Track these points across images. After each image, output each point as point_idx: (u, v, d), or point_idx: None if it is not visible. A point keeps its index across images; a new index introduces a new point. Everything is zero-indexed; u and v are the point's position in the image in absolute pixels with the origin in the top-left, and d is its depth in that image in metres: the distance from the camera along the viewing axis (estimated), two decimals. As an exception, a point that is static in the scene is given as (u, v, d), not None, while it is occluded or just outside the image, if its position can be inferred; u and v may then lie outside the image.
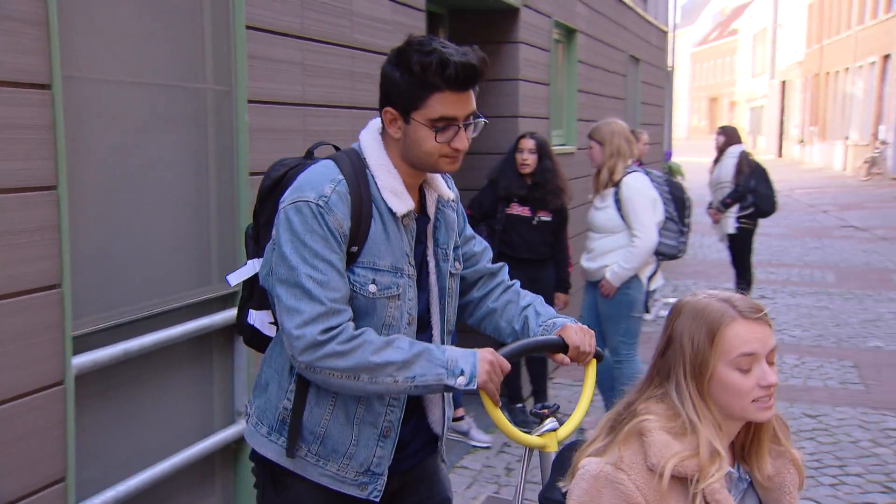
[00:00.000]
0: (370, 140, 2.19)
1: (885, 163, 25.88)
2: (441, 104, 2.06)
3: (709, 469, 1.75)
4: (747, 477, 1.91)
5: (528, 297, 2.46)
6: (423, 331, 2.28)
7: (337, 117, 3.58)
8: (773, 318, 1.89)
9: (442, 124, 2.08)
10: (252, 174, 3.02)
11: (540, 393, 5.92)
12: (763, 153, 45.51)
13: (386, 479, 2.24)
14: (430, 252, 2.26)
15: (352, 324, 2.09)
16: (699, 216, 10.01)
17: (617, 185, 5.32)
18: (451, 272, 2.31)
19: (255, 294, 2.31)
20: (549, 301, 5.70)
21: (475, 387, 2.10)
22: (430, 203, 2.27)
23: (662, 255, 5.52)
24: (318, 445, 2.19)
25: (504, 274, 2.53)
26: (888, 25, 27.11)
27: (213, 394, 2.98)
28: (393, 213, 2.14)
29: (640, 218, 5.24)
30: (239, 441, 3.03)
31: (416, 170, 2.19)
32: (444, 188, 2.29)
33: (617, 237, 5.34)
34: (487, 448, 5.38)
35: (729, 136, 8.97)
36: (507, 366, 2.15)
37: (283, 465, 2.20)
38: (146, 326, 2.63)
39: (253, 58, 2.99)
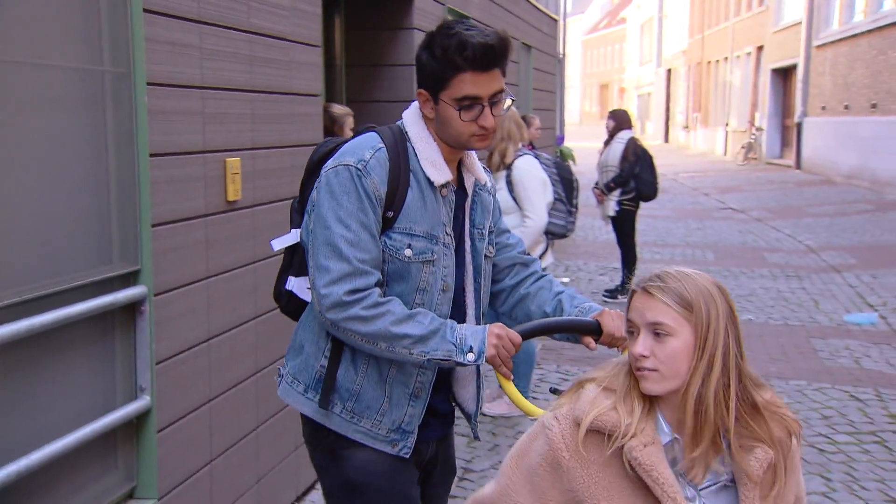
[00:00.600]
0: (412, 116, 2.27)
1: (760, 148, 26.86)
2: (464, 84, 2.12)
3: (632, 427, 1.73)
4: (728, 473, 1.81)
5: (560, 286, 2.48)
6: (458, 308, 2.34)
7: (236, 100, 3.58)
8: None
9: (467, 103, 2.14)
10: (153, 155, 3.00)
11: None
12: (651, 138, 46.57)
13: (416, 436, 2.30)
14: (466, 231, 2.32)
15: (378, 290, 2.16)
16: (588, 198, 10.28)
17: (508, 167, 5.45)
18: (485, 254, 2.37)
19: (294, 262, 2.39)
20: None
21: (483, 361, 2.16)
22: (468, 183, 2.34)
23: (552, 234, 5.69)
24: (353, 402, 2.26)
25: (537, 265, 2.55)
26: (762, 18, 28.05)
27: (115, 370, 2.97)
28: (431, 183, 2.21)
29: (531, 199, 5.38)
30: (142, 416, 3.05)
31: (451, 147, 2.25)
32: (480, 172, 2.37)
33: (509, 218, 5.41)
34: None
35: (619, 121, 9.16)
36: (518, 339, 2.18)
37: (320, 422, 2.30)
38: (47, 304, 2.62)
39: (151, 41, 2.98)
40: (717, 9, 34.69)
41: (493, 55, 2.12)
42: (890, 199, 16.08)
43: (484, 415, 5.58)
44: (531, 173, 5.41)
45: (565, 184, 5.87)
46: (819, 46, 22.60)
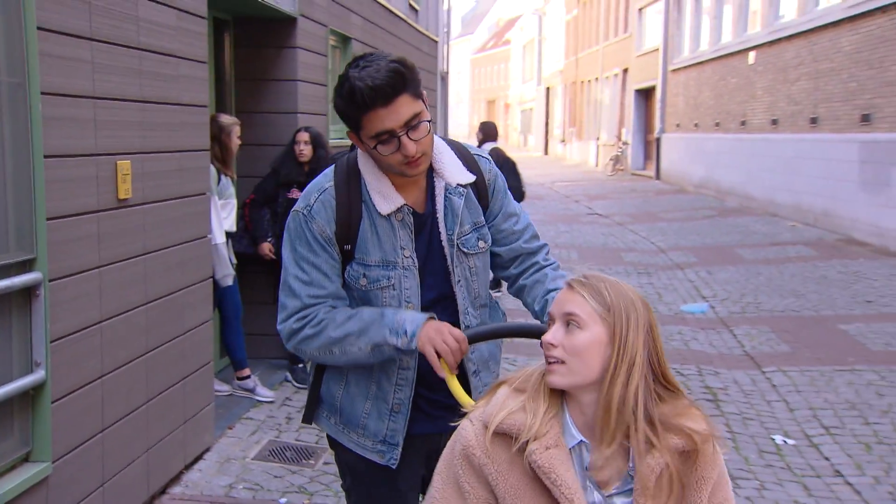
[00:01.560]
0: (361, 153, 2.21)
1: (626, 160, 27.84)
2: (374, 122, 2.05)
3: (535, 429, 1.66)
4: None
5: (558, 281, 2.32)
6: (452, 306, 2.28)
7: (126, 109, 3.72)
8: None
9: (384, 138, 2.06)
10: (47, 156, 3.14)
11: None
12: (532, 150, 47.50)
13: (401, 449, 2.26)
14: (443, 238, 2.23)
15: (324, 307, 2.16)
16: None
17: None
18: (464, 251, 2.25)
19: None
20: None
21: (415, 346, 2.08)
22: (438, 193, 2.23)
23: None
24: (337, 416, 2.29)
25: (542, 254, 2.42)
26: (626, 43, 29.04)
27: (12, 347, 3.08)
28: (380, 213, 2.15)
29: None
30: (37, 388, 3.18)
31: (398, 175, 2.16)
32: (451, 174, 2.24)
33: None
34: (271, 402, 5.65)
35: (486, 133, 9.44)
36: (460, 336, 2.09)
37: (320, 426, 2.36)
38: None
39: (45, 55, 3.11)
40: (588, 33, 35.66)
41: (385, 91, 2.01)
42: (729, 206, 17.01)
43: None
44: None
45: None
46: (674, 70, 23.62)
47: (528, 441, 1.65)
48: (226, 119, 5.39)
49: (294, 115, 6.19)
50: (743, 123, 17.66)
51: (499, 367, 2.46)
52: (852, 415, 5.44)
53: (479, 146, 9.46)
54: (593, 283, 1.70)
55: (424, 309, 2.21)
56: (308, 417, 2.34)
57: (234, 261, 5.48)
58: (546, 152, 45.05)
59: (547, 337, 1.69)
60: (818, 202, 13.56)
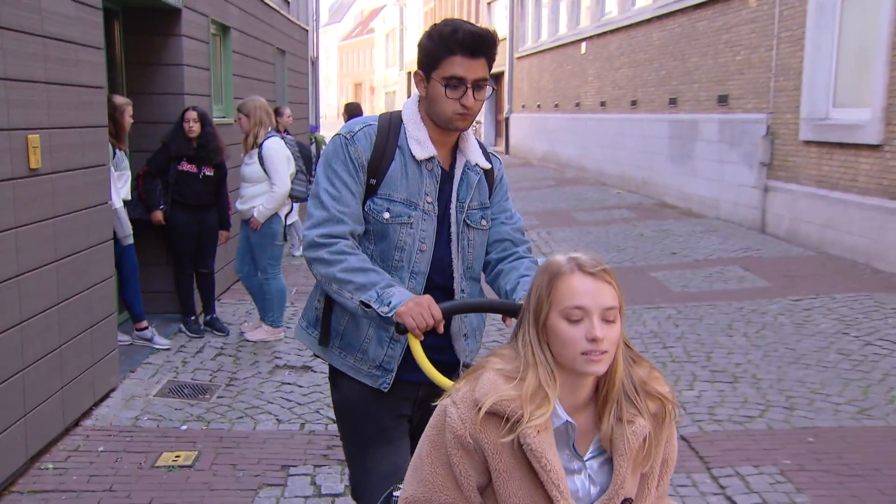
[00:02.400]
0: (409, 102, 2.27)
1: (480, 137, 28.52)
2: (453, 65, 2.09)
3: (529, 413, 1.57)
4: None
5: (529, 269, 2.30)
6: (445, 271, 2.28)
7: (33, 90, 3.86)
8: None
9: (454, 82, 2.11)
10: None
11: (208, 307, 6.39)
12: (395, 129, 47.57)
13: (394, 374, 2.25)
14: (452, 205, 2.25)
15: (349, 241, 2.15)
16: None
17: (260, 146, 5.92)
18: (468, 223, 2.27)
19: None
20: (215, 236, 6.21)
21: (392, 315, 2.05)
22: (458, 164, 2.27)
23: (295, 197, 6.23)
24: (339, 340, 2.28)
25: (524, 247, 2.41)
26: (481, 33, 29.63)
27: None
28: (414, 157, 2.18)
29: (277, 170, 5.84)
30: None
31: (439, 127, 2.21)
32: (473, 155, 2.29)
33: (261, 185, 5.84)
34: (167, 349, 5.85)
35: (350, 113, 9.64)
36: (439, 314, 2.04)
37: (318, 355, 2.37)
38: None
39: (-37, 42, 3.26)
40: (445, 24, 36.06)
41: (480, 43, 2.10)
42: (567, 177, 17.94)
43: (247, 340, 6.09)
44: (277, 151, 5.86)
45: (305, 159, 6.45)
46: (519, 58, 24.42)
47: (517, 423, 1.57)
48: (119, 99, 5.50)
49: (181, 97, 6.31)
50: (577, 105, 18.57)
51: (482, 336, 2.48)
52: (654, 342, 6.14)
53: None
54: (608, 270, 1.62)
55: (437, 252, 2.24)
56: (325, 339, 2.32)
57: (130, 227, 5.62)
58: (409, 131, 45.32)
59: (597, 333, 1.57)
60: (638, 172, 14.56)
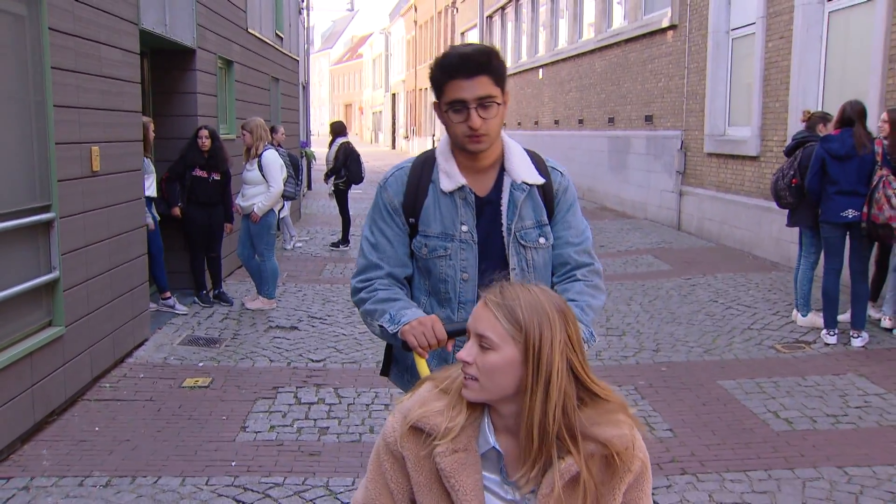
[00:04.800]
0: (443, 138, 2.14)
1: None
2: (453, 90, 1.96)
3: (449, 432, 1.46)
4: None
5: (583, 296, 2.12)
6: None
7: (95, 115, 4.95)
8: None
9: (457, 107, 1.97)
10: (57, 144, 4.41)
11: (216, 283, 7.48)
12: (382, 145, 48.50)
13: None
14: (504, 228, 2.09)
15: (385, 280, 2.08)
16: (323, 184, 11.84)
17: (259, 156, 7.08)
18: (522, 244, 2.10)
19: None
20: (221, 227, 7.34)
21: (397, 331, 1.96)
22: (504, 187, 2.10)
23: (287, 196, 7.39)
24: (409, 375, 2.20)
25: (584, 270, 2.18)
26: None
27: (39, 257, 4.37)
28: (443, 191, 2.06)
29: (273, 176, 7.00)
30: (54, 282, 4.51)
31: (465, 153, 2.05)
32: (521, 173, 2.10)
33: (259, 187, 6.97)
34: (185, 314, 6.96)
35: (335, 130, 10.78)
36: (441, 332, 1.92)
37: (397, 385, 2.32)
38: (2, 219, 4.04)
39: (56, 83, 4.41)
40: (423, 51, 36.88)
41: (471, 62, 1.94)
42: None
43: (247, 308, 7.24)
44: (274, 160, 7.03)
45: (294, 167, 7.63)
46: (489, 81, 25.44)
47: (436, 441, 1.45)
48: (145, 119, 6.66)
49: (195, 118, 7.40)
50: (536, 123, 19.70)
51: None
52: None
53: (332, 141, 10.87)
54: (507, 302, 1.43)
55: (486, 279, 1.93)
56: (385, 371, 2.30)
57: (158, 217, 6.76)
58: (393, 147, 46.24)
59: (461, 354, 1.45)
60: (585, 181, 15.77)
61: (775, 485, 3.68)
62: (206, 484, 3.71)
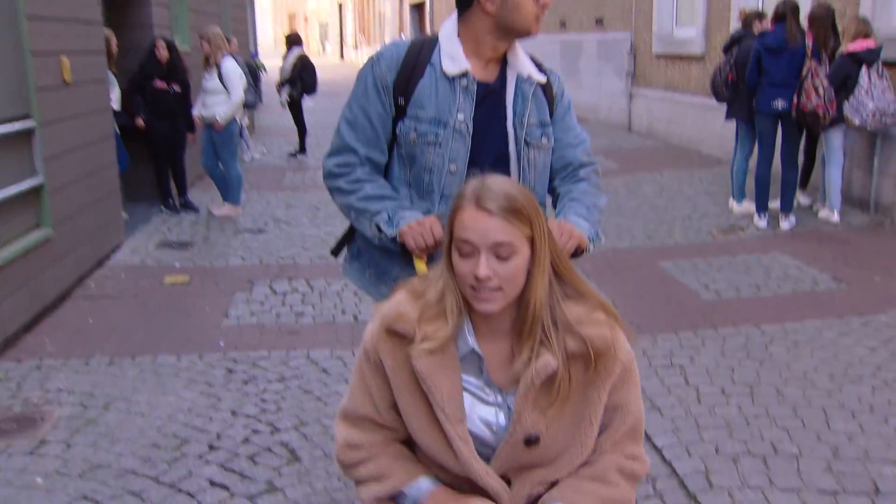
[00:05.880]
0: (447, 23, 2.05)
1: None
2: None
3: (422, 333, 1.45)
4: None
5: (577, 192, 2.07)
6: None
7: (66, 28, 5.28)
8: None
9: None
10: (34, 56, 4.73)
11: (181, 191, 7.84)
12: (330, 56, 47.78)
13: None
14: (509, 121, 1.99)
15: (366, 168, 1.99)
16: (275, 95, 12.04)
17: (219, 66, 7.36)
18: (527, 141, 2.00)
19: None
20: (184, 137, 7.66)
21: (394, 233, 1.92)
22: (510, 79, 2.02)
23: (247, 105, 7.71)
24: (374, 269, 2.12)
25: (587, 169, 2.13)
26: (405, -37, 30.19)
27: (23, 163, 4.74)
28: (445, 73, 1.94)
29: (234, 84, 7.26)
30: (39, 186, 4.90)
31: (503, 40, 1.98)
32: (525, 68, 2.03)
33: (220, 96, 7.27)
34: (151, 223, 7.40)
35: (291, 41, 10.92)
36: (440, 233, 1.85)
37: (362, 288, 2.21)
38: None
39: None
40: (372, -46, 36.28)
41: None
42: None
43: (214, 215, 7.65)
44: (234, 69, 7.32)
45: (253, 77, 7.90)
46: (440, -13, 25.32)
47: (413, 346, 1.45)
48: (107, 31, 6.87)
49: (152, 28, 7.63)
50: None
51: None
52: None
53: (287, 52, 10.99)
54: (508, 203, 1.40)
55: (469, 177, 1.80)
56: (337, 251, 2.22)
57: (118, 131, 7.05)
58: (342, 57, 45.55)
59: (482, 272, 1.39)
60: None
61: (700, 341, 4.26)
62: (200, 359, 4.24)
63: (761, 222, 6.65)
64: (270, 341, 4.43)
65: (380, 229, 1.94)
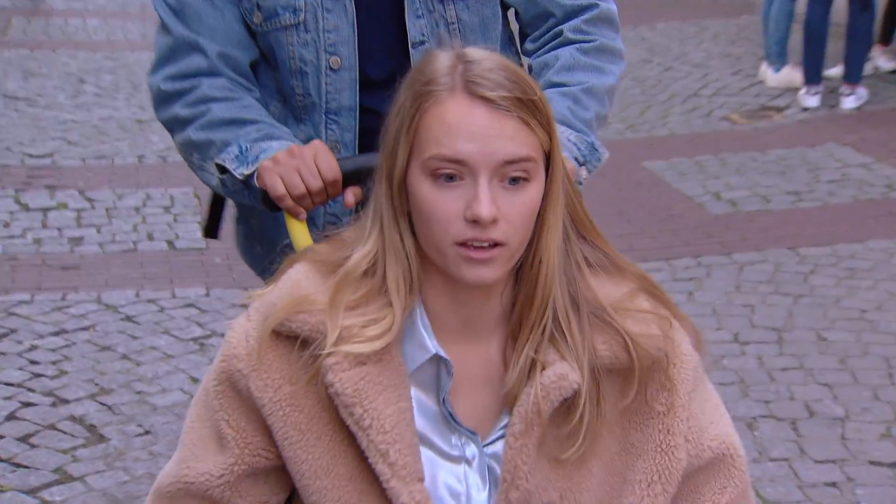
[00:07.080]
0: None
1: None
2: None
3: (338, 330, 0.90)
4: None
5: (561, 66, 1.35)
6: None
7: None
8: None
9: None
10: None
11: None
12: None
13: None
14: None
15: (219, 79, 1.33)
16: None
17: None
18: None
19: None
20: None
21: (247, 172, 1.25)
22: None
23: None
24: (262, 240, 1.51)
25: (579, 19, 1.37)
26: None
27: None
28: None
29: None
30: None
31: None
32: None
33: None
34: None
35: None
36: (332, 170, 1.21)
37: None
38: None
39: None
40: None
41: None
42: None
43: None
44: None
45: None
46: None
47: (325, 350, 0.90)
48: None
49: None
50: None
51: None
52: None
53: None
54: (525, 89, 0.89)
55: (375, 67, 1.34)
56: (212, 232, 1.54)
57: None
58: None
59: (483, 209, 0.86)
60: None
61: (704, 271, 3.52)
62: None
63: (811, 99, 5.11)
64: (31, 279, 3.58)
65: (224, 170, 1.25)
